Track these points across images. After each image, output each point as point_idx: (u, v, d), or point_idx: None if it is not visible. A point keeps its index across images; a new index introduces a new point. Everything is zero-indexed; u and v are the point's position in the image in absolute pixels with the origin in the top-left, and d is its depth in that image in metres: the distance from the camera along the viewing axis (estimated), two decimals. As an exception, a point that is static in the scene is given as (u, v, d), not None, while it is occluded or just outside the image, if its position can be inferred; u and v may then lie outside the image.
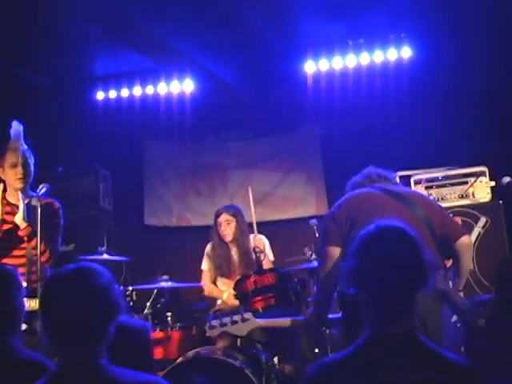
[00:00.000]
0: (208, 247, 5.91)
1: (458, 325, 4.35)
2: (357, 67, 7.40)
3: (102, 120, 7.96)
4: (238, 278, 4.83)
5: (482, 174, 6.19)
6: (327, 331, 5.02)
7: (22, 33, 6.17)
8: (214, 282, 5.89)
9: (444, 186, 6.31)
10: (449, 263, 3.62)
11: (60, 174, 7.14)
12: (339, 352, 2.09)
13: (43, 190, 4.29)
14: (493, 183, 6.10)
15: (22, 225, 4.34)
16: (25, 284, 3.55)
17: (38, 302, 3.93)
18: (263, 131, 8.09)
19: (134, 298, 5.60)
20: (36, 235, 4.16)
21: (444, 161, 6.59)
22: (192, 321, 5.78)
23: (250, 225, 5.56)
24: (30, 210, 4.34)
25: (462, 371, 1.98)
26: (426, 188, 6.32)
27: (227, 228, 5.73)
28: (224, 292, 5.70)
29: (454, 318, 4.45)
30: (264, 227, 6.21)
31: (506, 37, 6.63)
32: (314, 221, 5.37)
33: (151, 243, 8.01)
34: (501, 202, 6.04)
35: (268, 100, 7.84)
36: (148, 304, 5.80)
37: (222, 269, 5.74)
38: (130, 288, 5.72)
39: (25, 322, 3.46)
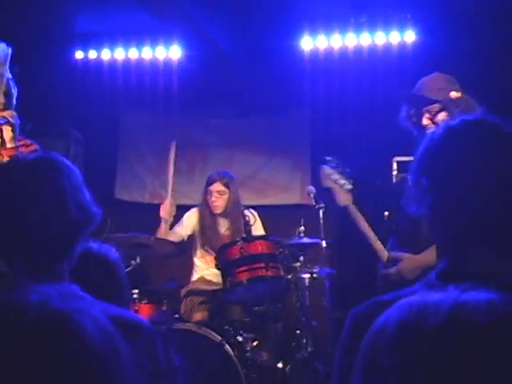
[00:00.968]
0: (192, 214, 5.27)
1: None
2: (358, 47, 6.95)
3: (79, 81, 7.39)
4: (222, 244, 4.30)
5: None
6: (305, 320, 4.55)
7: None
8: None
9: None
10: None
11: (29, 131, 6.50)
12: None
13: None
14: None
15: None
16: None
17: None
18: (251, 110, 7.61)
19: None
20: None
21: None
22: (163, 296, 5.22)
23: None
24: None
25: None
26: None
27: (219, 199, 5.11)
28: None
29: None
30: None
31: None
32: (311, 188, 4.78)
33: (119, 218, 7.43)
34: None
35: (259, 76, 7.31)
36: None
37: (209, 239, 5.11)
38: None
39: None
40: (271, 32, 6.86)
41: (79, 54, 7.45)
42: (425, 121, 3.43)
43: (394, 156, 6.23)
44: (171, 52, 7.19)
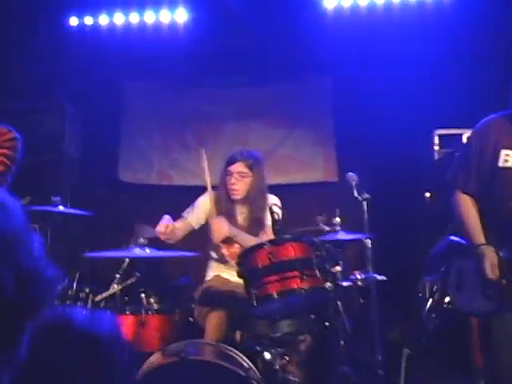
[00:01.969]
0: (206, 198, 4.43)
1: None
2: (388, 3, 6.19)
3: (75, 50, 6.65)
4: (246, 248, 3.54)
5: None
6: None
7: None
8: None
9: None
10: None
11: (16, 110, 5.76)
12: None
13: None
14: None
15: None
16: None
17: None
18: (267, 78, 6.85)
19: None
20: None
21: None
22: (174, 302, 4.52)
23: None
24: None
25: None
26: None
27: (239, 183, 4.27)
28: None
29: None
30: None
31: None
32: (352, 174, 3.95)
33: (125, 202, 6.76)
34: None
35: (276, 39, 6.52)
36: (117, 278, 4.45)
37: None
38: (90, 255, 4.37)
39: None
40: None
41: (73, 21, 6.75)
42: None
43: (435, 128, 5.44)
44: (176, 15, 6.57)
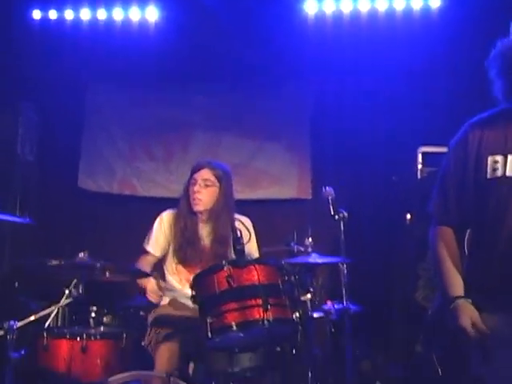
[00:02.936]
0: (165, 216, 4.00)
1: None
2: (372, 12, 5.94)
3: (36, 47, 6.26)
4: (202, 269, 3.10)
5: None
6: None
7: None
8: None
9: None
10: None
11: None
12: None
13: None
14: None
15: None
16: None
17: None
18: (242, 85, 6.50)
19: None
20: None
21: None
22: (123, 324, 4.05)
23: None
24: None
25: None
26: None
27: (203, 191, 3.86)
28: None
29: None
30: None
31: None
32: (329, 190, 3.51)
33: (82, 211, 6.35)
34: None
35: (254, 45, 6.20)
36: (67, 292, 3.98)
37: (184, 249, 3.87)
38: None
39: None
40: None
41: (36, 14, 6.43)
42: None
43: (419, 145, 5.09)
44: (147, 13, 6.28)
